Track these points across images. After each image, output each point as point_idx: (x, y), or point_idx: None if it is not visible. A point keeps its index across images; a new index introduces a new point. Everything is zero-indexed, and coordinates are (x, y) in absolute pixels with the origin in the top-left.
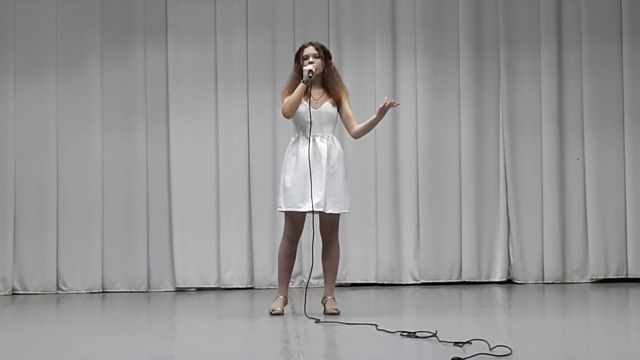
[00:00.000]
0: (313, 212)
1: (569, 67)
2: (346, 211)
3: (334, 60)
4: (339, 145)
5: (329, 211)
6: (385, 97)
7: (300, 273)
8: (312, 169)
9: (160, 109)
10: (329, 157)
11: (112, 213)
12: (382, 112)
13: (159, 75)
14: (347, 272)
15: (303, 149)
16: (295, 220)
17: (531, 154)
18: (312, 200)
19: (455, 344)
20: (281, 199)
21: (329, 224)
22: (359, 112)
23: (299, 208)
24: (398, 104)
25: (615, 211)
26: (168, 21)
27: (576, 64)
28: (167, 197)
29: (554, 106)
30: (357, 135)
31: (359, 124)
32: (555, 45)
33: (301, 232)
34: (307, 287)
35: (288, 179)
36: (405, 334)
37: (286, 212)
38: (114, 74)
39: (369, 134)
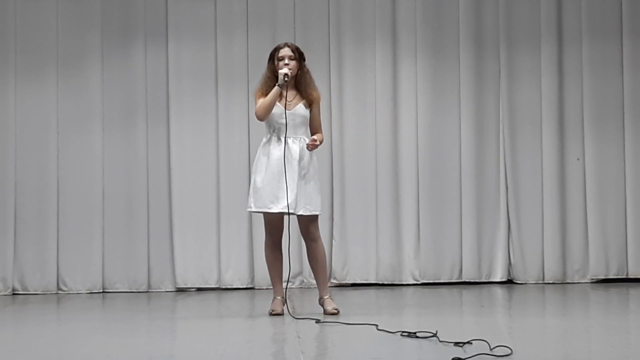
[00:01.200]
0: (285, 213)
1: (569, 67)
2: (317, 213)
3: (335, 60)
4: None
5: (300, 213)
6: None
7: (300, 273)
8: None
9: (161, 109)
10: (300, 159)
11: (113, 213)
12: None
13: (159, 75)
14: (347, 272)
15: (275, 150)
16: (271, 221)
17: (531, 154)
18: (288, 200)
19: (456, 344)
20: (251, 199)
21: (306, 225)
22: (359, 112)
23: (269, 209)
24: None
25: (616, 211)
26: (168, 21)
27: (576, 64)
28: (168, 197)
29: (554, 106)
30: None
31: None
32: (555, 45)
33: (282, 232)
34: (286, 289)
35: (259, 179)
36: (406, 334)
37: (256, 213)
38: (114, 74)
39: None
